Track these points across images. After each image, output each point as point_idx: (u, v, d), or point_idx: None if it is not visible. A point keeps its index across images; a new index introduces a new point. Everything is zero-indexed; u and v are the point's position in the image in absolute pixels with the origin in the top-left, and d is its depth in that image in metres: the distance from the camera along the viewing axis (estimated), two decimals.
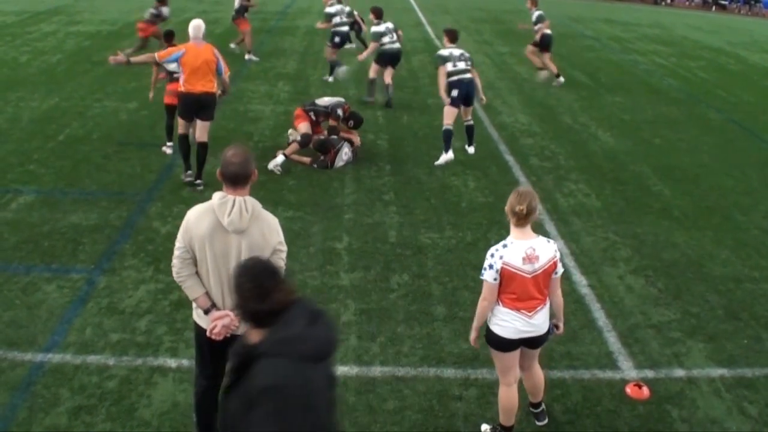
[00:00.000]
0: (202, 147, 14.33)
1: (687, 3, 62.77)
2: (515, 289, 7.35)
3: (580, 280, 11.46)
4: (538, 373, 8.10)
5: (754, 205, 15.02)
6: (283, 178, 15.01)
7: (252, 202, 6.56)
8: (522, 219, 7.30)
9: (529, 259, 7.28)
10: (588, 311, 10.59)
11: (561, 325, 7.88)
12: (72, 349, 9.21)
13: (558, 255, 7.52)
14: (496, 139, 18.40)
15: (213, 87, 14.23)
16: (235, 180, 6.49)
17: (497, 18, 41.23)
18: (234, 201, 6.46)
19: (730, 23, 50.40)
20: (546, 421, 8.33)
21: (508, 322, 7.44)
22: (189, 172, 14.39)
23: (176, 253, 6.66)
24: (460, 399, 8.68)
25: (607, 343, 9.89)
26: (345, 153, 15.93)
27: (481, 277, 7.45)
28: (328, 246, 12.27)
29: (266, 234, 6.62)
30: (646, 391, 8.80)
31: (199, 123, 14.41)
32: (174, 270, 6.71)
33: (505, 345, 7.56)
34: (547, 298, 7.56)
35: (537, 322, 7.47)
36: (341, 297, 10.74)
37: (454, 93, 16.16)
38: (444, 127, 16.19)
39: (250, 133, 17.89)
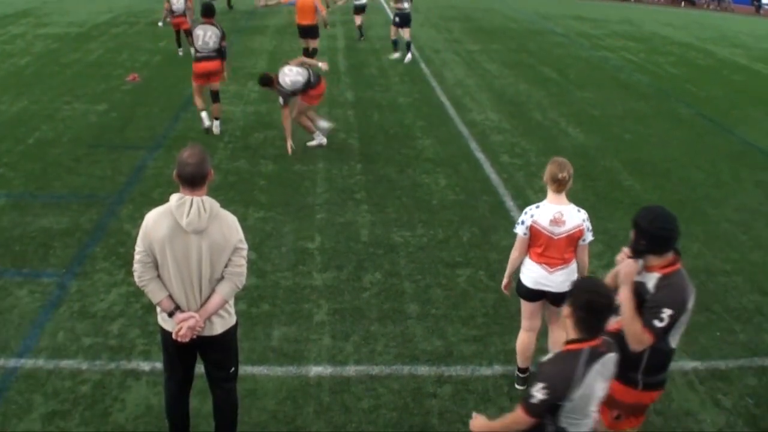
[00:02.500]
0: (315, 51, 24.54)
1: None
2: (541, 246, 8.21)
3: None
4: (529, 334, 8.81)
5: (725, 199, 15.10)
6: (254, 178, 14.98)
7: (210, 202, 6.52)
8: (562, 185, 8.15)
9: (555, 221, 8.11)
10: None
11: None
12: (44, 354, 9.17)
13: (586, 225, 8.25)
14: (467, 137, 18.41)
15: (314, 20, 24.94)
16: (192, 181, 6.44)
17: (467, 16, 41.28)
18: (192, 201, 6.42)
19: (700, 19, 50.65)
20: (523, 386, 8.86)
21: (531, 273, 8.37)
22: None
23: (137, 257, 6.60)
24: (434, 396, 8.70)
25: None
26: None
27: (514, 230, 8.41)
28: (300, 246, 12.26)
29: (226, 233, 6.57)
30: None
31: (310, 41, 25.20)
32: (135, 275, 6.66)
33: (528, 294, 8.50)
34: (571, 262, 8.32)
35: (556, 280, 8.26)
36: (314, 297, 10.72)
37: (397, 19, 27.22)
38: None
39: (220, 133, 17.80)
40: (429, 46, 31.51)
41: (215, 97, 17.91)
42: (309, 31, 25.52)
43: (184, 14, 26.05)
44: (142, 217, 6.67)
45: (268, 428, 8.12)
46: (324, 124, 17.02)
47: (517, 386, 8.92)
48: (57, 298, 10.43)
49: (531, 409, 5.51)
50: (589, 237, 8.33)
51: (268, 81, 15.98)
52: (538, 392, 5.44)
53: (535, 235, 8.20)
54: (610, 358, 5.56)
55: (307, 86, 16.01)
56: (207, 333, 6.79)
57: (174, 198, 6.48)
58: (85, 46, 28.20)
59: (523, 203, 13.90)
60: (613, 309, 5.60)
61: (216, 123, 17.93)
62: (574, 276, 8.29)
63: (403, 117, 19.90)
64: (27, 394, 8.46)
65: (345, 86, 23.29)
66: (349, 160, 16.32)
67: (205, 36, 17.21)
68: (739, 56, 33.96)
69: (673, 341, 6.38)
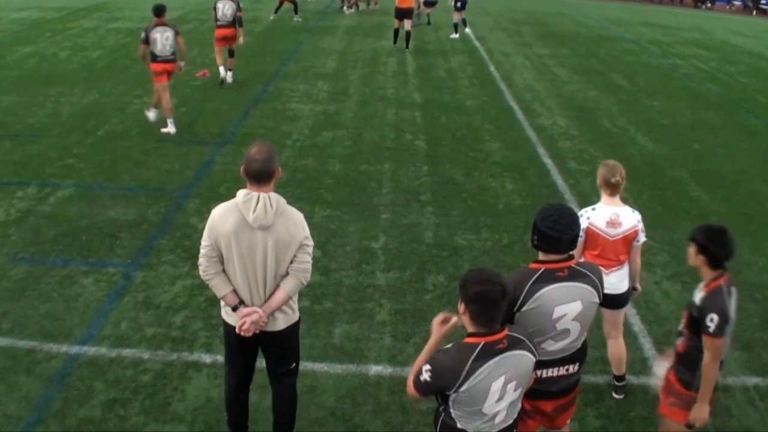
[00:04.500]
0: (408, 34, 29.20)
1: (728, 7, 62.34)
2: (596, 248, 8.23)
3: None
4: (620, 345, 8.83)
5: None
6: (321, 176, 15.04)
7: (276, 198, 6.54)
8: (616, 188, 8.28)
9: (612, 223, 8.20)
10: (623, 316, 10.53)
11: (638, 286, 8.75)
12: (107, 343, 9.28)
13: (640, 225, 8.32)
14: (534, 141, 18.32)
15: (412, 3, 29.19)
16: (259, 177, 6.47)
17: (538, 20, 41.06)
18: (258, 197, 6.45)
19: None
20: (623, 396, 8.83)
21: None
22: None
23: (202, 251, 6.66)
24: None
25: (642, 349, 9.83)
26: None
27: None
28: (364, 245, 12.28)
29: (291, 230, 6.59)
30: None
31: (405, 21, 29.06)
32: (201, 269, 6.70)
33: None
34: (625, 263, 8.41)
35: (611, 281, 8.16)
36: (376, 296, 10.74)
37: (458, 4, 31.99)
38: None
39: (288, 131, 17.92)
40: (498, 49, 31.41)
41: (231, 53, 22.40)
42: (407, 13, 29.34)
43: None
44: (208, 212, 6.70)
45: (326, 425, 8.13)
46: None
47: (614, 395, 8.91)
48: (122, 288, 10.55)
49: (417, 384, 5.44)
50: (642, 238, 8.37)
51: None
52: (425, 373, 5.37)
53: (591, 237, 8.25)
54: (515, 357, 5.38)
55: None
56: (270, 328, 6.81)
57: (241, 194, 6.52)
58: None
59: None
60: (506, 298, 5.39)
61: (229, 74, 22.46)
62: (627, 276, 8.48)
63: (471, 120, 19.86)
64: (89, 380, 8.56)
65: (413, 87, 23.26)
66: (416, 161, 16.31)
67: (224, 8, 21.95)
68: None
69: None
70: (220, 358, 8.28)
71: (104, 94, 20.55)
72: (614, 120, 20.96)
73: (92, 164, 15.11)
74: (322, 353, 9.32)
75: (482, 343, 5.29)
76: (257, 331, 6.72)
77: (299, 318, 7.12)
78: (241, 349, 7.04)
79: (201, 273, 6.72)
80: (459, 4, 33.06)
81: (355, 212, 13.50)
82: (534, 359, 5.52)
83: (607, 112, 21.86)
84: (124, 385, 8.54)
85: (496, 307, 5.30)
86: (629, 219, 8.26)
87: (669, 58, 32.72)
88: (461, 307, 5.39)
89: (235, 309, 6.69)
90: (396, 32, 30.06)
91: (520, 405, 5.69)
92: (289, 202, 6.67)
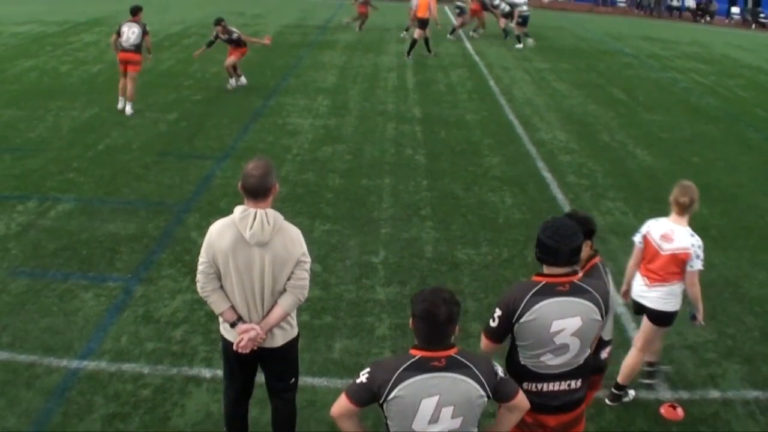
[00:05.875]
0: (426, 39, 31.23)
1: (727, 21, 62.45)
2: (648, 259, 8.57)
3: (616, 299, 11.32)
4: (637, 357, 8.93)
5: None
6: (321, 191, 15.05)
7: (274, 215, 6.54)
8: (682, 208, 8.45)
9: (665, 237, 8.41)
10: (623, 330, 10.51)
11: (698, 315, 8.72)
12: (107, 357, 9.28)
13: (694, 251, 8.32)
14: (534, 156, 18.35)
15: (427, 13, 30.71)
16: (255, 193, 6.48)
17: (537, 34, 41.00)
18: (255, 214, 6.45)
19: None
20: (614, 404, 8.98)
21: (635, 284, 8.80)
22: None
23: (200, 268, 6.66)
24: (494, 415, 8.64)
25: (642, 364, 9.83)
26: None
27: (633, 238, 8.87)
28: (364, 260, 12.28)
29: (289, 246, 6.58)
30: (680, 412, 8.75)
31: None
32: (198, 285, 6.71)
33: (632, 305, 8.97)
34: (672, 283, 8.47)
35: (652, 295, 8.56)
36: (376, 311, 10.74)
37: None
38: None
39: (288, 146, 17.95)
40: (498, 63, 31.45)
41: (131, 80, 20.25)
42: (424, 23, 31.14)
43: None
44: (208, 226, 6.71)
45: None
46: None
47: (606, 400, 9.00)
48: (122, 303, 10.55)
49: (350, 390, 5.41)
50: (697, 264, 8.35)
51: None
52: (363, 375, 5.36)
53: (646, 246, 8.57)
54: (451, 379, 5.23)
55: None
56: (268, 344, 6.82)
57: (238, 210, 6.53)
58: (157, 56, 28.44)
59: None
60: (453, 322, 5.30)
61: (128, 105, 20.34)
62: (673, 298, 8.53)
63: (471, 134, 19.89)
64: (88, 395, 8.55)
65: (413, 102, 23.32)
66: (416, 176, 16.33)
67: (129, 32, 19.85)
68: None
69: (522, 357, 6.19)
70: (220, 372, 8.27)
71: (105, 108, 20.55)
72: (614, 134, 20.99)
73: (92, 178, 15.12)
74: (322, 368, 9.31)
75: (419, 356, 5.27)
76: (255, 348, 6.73)
77: (298, 333, 7.13)
78: (240, 364, 7.04)
79: (199, 290, 6.73)
80: (521, 20, 36.51)
81: (355, 227, 13.51)
82: (481, 392, 5.31)
83: (606, 126, 21.89)
84: (124, 399, 8.53)
85: (438, 328, 5.27)
86: (683, 239, 8.35)
87: (668, 72, 32.79)
88: (410, 320, 5.40)
89: (233, 325, 6.69)
90: (426, 41, 31.91)
91: None
92: (289, 217, 6.69)
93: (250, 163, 6.59)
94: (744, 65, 36.86)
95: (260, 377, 7.29)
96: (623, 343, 10.17)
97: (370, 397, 5.34)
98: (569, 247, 5.94)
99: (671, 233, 8.35)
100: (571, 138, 20.24)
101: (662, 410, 8.79)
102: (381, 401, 5.28)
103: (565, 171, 17.33)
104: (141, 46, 20.02)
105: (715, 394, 9.31)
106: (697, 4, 62.73)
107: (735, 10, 63.88)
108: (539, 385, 6.10)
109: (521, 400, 5.61)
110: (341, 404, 5.44)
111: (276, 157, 16.53)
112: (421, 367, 5.22)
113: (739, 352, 10.18)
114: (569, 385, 6.20)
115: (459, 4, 38.22)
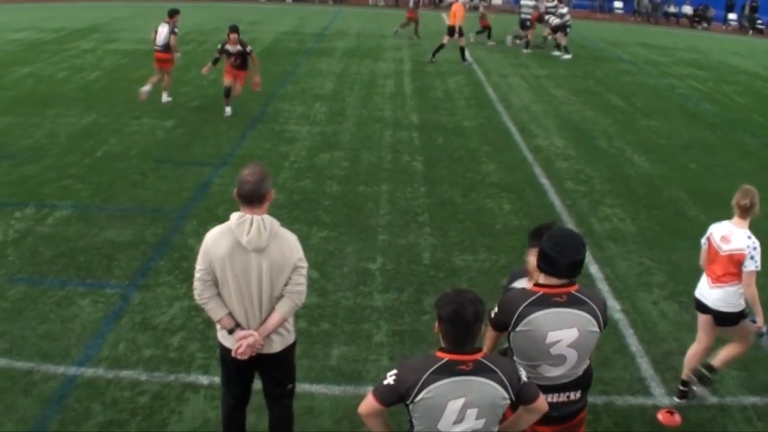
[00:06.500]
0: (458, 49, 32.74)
1: (724, 27, 62.45)
2: (710, 259, 8.78)
3: (613, 305, 11.37)
4: (695, 345, 9.20)
5: None
6: (318, 197, 15.05)
7: (270, 221, 6.55)
8: (744, 211, 8.62)
9: (724, 239, 8.61)
10: (621, 336, 10.52)
11: (757, 319, 8.74)
12: (105, 364, 9.27)
13: (749, 252, 8.46)
14: (532, 162, 18.36)
15: (455, 21, 31.90)
16: (250, 199, 6.50)
17: (535, 41, 41.11)
18: (252, 220, 6.46)
19: (767, 47, 50.11)
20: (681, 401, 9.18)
21: (700, 283, 8.97)
22: None
23: (197, 275, 6.66)
24: None
25: (640, 369, 9.82)
26: None
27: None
28: (361, 266, 12.27)
29: (285, 252, 6.59)
30: (678, 417, 8.74)
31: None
32: (195, 293, 6.71)
33: (694, 303, 9.06)
34: (731, 284, 8.59)
35: (712, 295, 8.74)
36: (374, 318, 10.73)
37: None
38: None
39: (285, 153, 17.95)
40: (496, 70, 31.47)
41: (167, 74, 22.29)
42: (453, 30, 32.47)
43: None
44: (206, 233, 6.71)
45: None
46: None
47: (675, 398, 9.25)
48: (119, 309, 10.54)
49: (377, 390, 5.47)
50: (750, 266, 8.46)
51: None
52: (390, 377, 5.41)
53: (709, 247, 8.78)
54: (478, 383, 5.32)
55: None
56: (266, 351, 6.82)
57: (234, 216, 6.54)
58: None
59: (587, 231, 13.86)
60: (479, 322, 5.39)
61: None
62: (733, 298, 8.63)
63: (468, 141, 19.90)
64: (86, 402, 8.54)
65: (410, 109, 23.34)
66: (413, 182, 16.33)
67: (161, 32, 21.67)
68: None
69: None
70: (218, 379, 8.26)
71: (102, 115, 20.58)
72: (611, 140, 21.00)
73: (90, 185, 15.12)
74: (319, 375, 9.30)
75: (446, 359, 5.32)
76: (253, 354, 6.72)
77: (295, 339, 7.13)
78: (238, 371, 7.04)
79: (196, 297, 6.73)
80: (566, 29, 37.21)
81: (353, 233, 13.50)
82: (505, 395, 5.39)
83: (604, 132, 21.91)
84: (122, 406, 8.52)
85: (467, 329, 5.34)
86: (740, 240, 8.50)
87: (666, 78, 32.82)
88: (436, 324, 5.47)
89: (231, 332, 6.69)
90: (461, 50, 33.07)
91: None
92: (286, 224, 6.69)
93: (245, 170, 6.62)
94: (741, 71, 36.88)
95: (258, 384, 7.29)
96: (620, 349, 10.22)
97: (396, 398, 5.41)
98: (568, 260, 5.91)
99: (729, 235, 8.55)
100: (568, 144, 20.25)
101: (660, 416, 8.79)
102: (408, 402, 5.33)
103: (563, 177, 17.33)
104: (169, 46, 21.52)
105: (712, 399, 9.29)
106: (694, 11, 62.75)
107: (732, 16, 63.88)
108: None
109: (542, 402, 5.68)
110: (368, 404, 5.53)
111: (273, 164, 16.54)
112: (449, 370, 5.29)
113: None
114: (569, 397, 6.19)
115: (524, 16, 38.43)
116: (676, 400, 9.13)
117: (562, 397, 6.17)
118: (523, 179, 17.03)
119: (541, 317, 5.88)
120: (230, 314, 6.69)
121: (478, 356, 5.37)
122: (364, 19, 47.86)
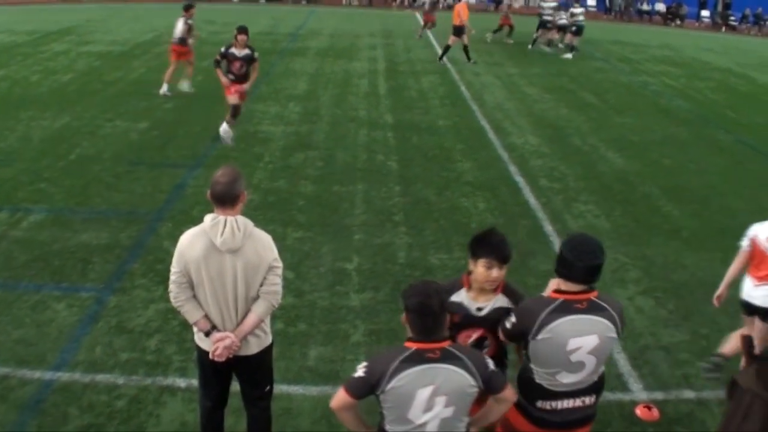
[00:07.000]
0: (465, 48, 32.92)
1: (697, 24, 62.81)
2: (755, 260, 8.84)
3: None
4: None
5: None
6: (293, 198, 15.03)
7: (244, 221, 6.55)
8: None
9: None
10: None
11: None
12: (81, 368, 9.23)
13: None
14: (506, 160, 18.40)
15: (458, 21, 32.23)
16: (223, 200, 6.50)
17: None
18: (225, 221, 6.46)
19: (740, 44, 50.41)
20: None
21: (744, 285, 9.00)
22: None
23: (172, 278, 6.65)
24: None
25: (617, 365, 9.85)
26: None
27: (740, 242, 9.06)
28: (337, 266, 12.27)
29: (260, 252, 6.59)
30: (656, 412, 8.78)
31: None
32: (171, 295, 6.70)
33: (741, 305, 9.10)
34: None
35: (759, 294, 8.80)
36: (350, 318, 10.73)
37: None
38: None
39: (260, 153, 17.92)
40: (469, 69, 31.54)
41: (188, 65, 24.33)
42: (458, 30, 32.68)
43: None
44: (181, 235, 6.70)
45: None
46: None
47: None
48: (95, 313, 10.49)
49: (349, 384, 5.51)
50: None
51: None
52: (360, 370, 5.46)
53: (753, 249, 8.83)
54: (446, 370, 5.35)
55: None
56: (243, 352, 6.81)
57: (208, 218, 6.53)
58: (128, 65, 28.45)
59: (562, 228, 13.91)
60: (444, 311, 5.46)
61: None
62: None
63: (443, 140, 19.92)
64: (63, 406, 8.50)
65: (384, 108, 23.36)
66: (388, 182, 16.34)
67: (177, 26, 23.62)
68: None
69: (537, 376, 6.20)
70: (195, 382, 8.25)
71: (75, 117, 20.48)
72: (585, 138, 21.08)
73: (64, 188, 15.05)
74: (297, 376, 9.30)
75: (414, 348, 5.38)
76: (230, 356, 6.72)
77: (272, 341, 7.13)
78: (215, 373, 7.03)
79: (172, 300, 6.72)
80: (575, 29, 37.43)
81: (328, 233, 13.49)
82: (473, 383, 5.42)
83: (577, 130, 21.99)
84: (99, 410, 8.48)
85: (433, 318, 5.41)
86: None
87: (639, 75, 32.99)
88: (403, 315, 5.55)
89: (207, 334, 6.68)
90: (465, 48, 33.19)
91: (461, 428, 5.62)
92: (261, 225, 6.68)
93: (218, 171, 6.63)
94: (714, 68, 37.10)
95: (236, 386, 7.28)
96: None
97: (368, 390, 5.44)
98: (585, 264, 5.88)
99: None
100: (542, 142, 20.31)
101: (638, 411, 8.83)
102: (378, 392, 5.37)
103: (537, 175, 17.38)
104: (185, 39, 23.47)
105: (689, 394, 9.36)
106: (667, 8, 63.11)
107: (705, 13, 64.35)
108: (554, 404, 6.13)
109: (510, 392, 5.72)
110: (340, 398, 5.56)
111: (248, 164, 16.53)
112: (417, 358, 5.34)
113: (713, 352, 10.22)
114: (583, 402, 6.21)
115: (545, 18, 39.24)
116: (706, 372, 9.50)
117: (578, 402, 6.18)
118: (497, 177, 17.07)
119: (562, 325, 5.87)
120: (206, 316, 6.68)
121: (445, 344, 5.43)
122: (337, 19, 47.90)
